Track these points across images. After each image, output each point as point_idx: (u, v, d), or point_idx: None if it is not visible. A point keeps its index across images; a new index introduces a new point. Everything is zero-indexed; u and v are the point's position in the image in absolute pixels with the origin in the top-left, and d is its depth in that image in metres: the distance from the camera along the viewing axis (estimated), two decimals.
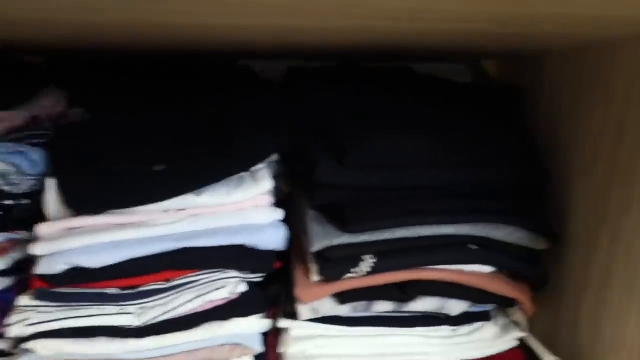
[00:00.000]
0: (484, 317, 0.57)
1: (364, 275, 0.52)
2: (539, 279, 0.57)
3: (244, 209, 0.57)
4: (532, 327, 0.61)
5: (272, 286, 0.60)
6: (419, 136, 0.53)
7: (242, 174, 0.58)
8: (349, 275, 0.52)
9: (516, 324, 0.59)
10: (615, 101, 0.52)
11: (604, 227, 0.52)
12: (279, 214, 0.58)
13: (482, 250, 0.53)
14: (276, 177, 0.61)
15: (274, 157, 0.62)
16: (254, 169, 0.59)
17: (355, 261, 0.52)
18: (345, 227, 0.52)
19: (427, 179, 0.52)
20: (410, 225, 0.52)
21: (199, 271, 0.55)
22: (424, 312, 0.55)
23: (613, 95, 0.52)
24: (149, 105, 0.60)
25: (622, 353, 0.49)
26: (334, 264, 0.52)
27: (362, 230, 0.51)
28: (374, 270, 0.52)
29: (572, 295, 0.56)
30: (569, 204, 0.57)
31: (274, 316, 0.58)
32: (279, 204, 0.59)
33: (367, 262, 0.52)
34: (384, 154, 0.52)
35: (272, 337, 0.58)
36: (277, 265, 0.57)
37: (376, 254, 0.52)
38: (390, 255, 0.52)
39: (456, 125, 0.57)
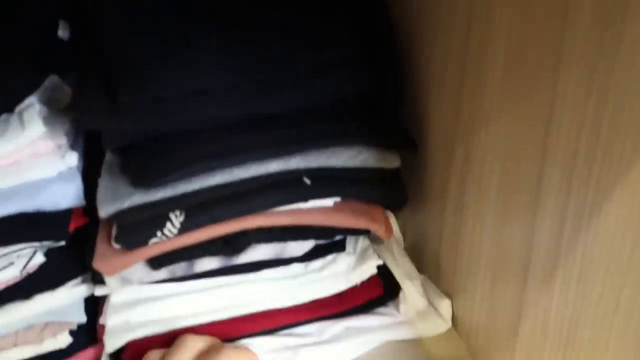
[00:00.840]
0: (338, 247, 0.49)
1: (175, 236, 0.42)
2: (393, 201, 0.48)
3: (17, 163, 0.44)
4: (404, 237, 0.55)
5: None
6: (215, 50, 0.39)
7: (5, 115, 0.44)
8: (155, 239, 0.41)
9: (379, 243, 0.52)
10: None
11: (457, 140, 0.42)
12: (71, 159, 0.46)
13: (319, 183, 0.43)
14: None
15: (54, 79, 0.47)
16: (20, 107, 0.44)
17: (160, 222, 0.41)
18: (136, 183, 0.40)
19: (232, 108, 0.40)
20: (221, 168, 0.40)
21: None
22: (261, 260, 0.46)
23: None
24: None
25: (476, 266, 0.43)
26: (133, 229, 0.41)
27: (157, 185, 0.40)
28: (185, 229, 0.41)
29: (435, 209, 0.49)
30: (427, 113, 0.46)
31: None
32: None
33: (176, 221, 0.41)
34: (167, 84, 0.38)
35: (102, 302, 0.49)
36: (77, 224, 0.46)
37: (184, 210, 0.41)
38: (203, 209, 0.41)
39: (275, 22, 0.42)
